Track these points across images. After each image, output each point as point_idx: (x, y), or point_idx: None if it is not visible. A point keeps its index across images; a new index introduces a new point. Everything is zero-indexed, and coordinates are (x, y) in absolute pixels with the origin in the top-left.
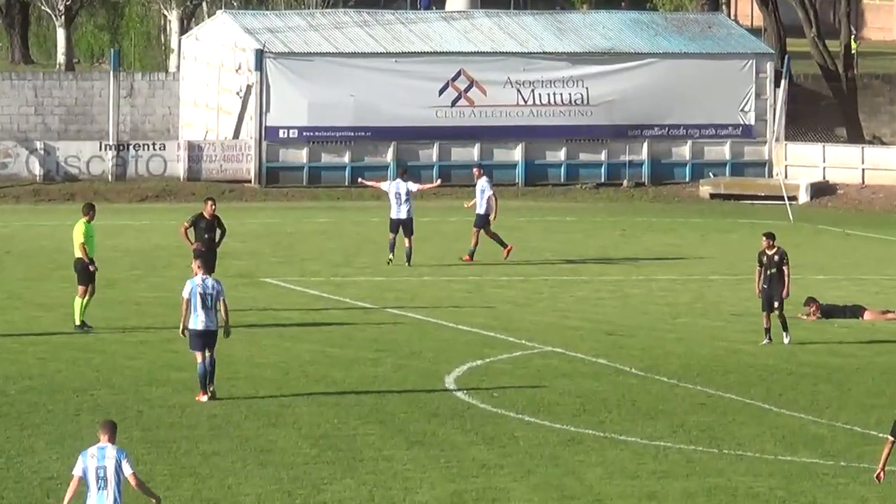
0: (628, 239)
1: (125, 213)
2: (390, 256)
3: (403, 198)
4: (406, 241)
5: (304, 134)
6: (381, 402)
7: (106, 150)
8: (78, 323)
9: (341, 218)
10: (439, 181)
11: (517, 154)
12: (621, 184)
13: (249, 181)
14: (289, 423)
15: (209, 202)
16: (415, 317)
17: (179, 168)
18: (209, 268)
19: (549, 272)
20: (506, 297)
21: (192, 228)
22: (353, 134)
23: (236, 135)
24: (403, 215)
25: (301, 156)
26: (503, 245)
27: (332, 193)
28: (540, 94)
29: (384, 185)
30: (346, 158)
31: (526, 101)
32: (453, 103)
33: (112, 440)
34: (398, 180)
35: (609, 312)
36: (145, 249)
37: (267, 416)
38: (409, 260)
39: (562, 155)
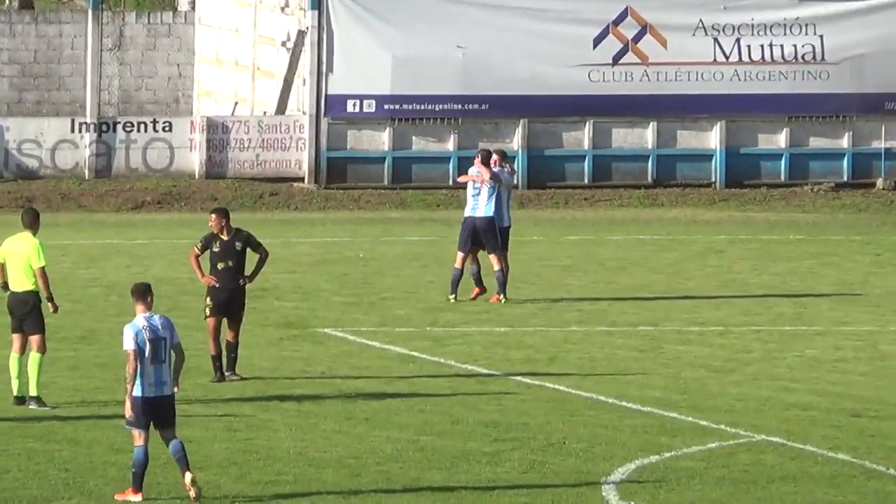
0: (884, 268)
1: (110, 229)
2: (451, 297)
3: (487, 189)
4: (493, 261)
5: (386, 107)
6: None
7: (81, 130)
8: (34, 394)
9: (443, 235)
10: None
11: (713, 139)
12: (874, 184)
13: (301, 179)
14: None
15: (215, 216)
16: (556, 388)
17: (193, 159)
18: (232, 315)
19: (763, 319)
20: (696, 358)
21: (208, 253)
22: (460, 107)
23: (282, 108)
24: (481, 212)
25: (380, 140)
26: (480, 286)
27: (428, 198)
28: (749, 47)
29: (472, 171)
30: (451, 145)
31: (727, 57)
32: (615, 60)
33: None
34: (479, 165)
35: (855, 382)
36: None
37: None
38: (502, 291)
39: (782, 140)
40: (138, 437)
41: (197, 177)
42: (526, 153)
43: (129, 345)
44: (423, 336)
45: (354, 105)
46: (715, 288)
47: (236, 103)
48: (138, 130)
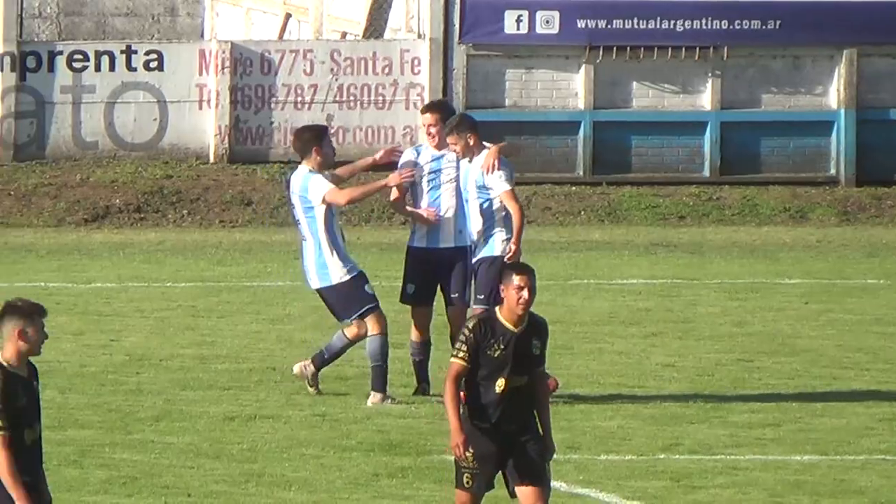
0: None
1: (41, 260)
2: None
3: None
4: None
5: (581, 25)
6: None
7: None
8: None
9: (701, 268)
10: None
11: None
12: None
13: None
14: None
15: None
16: None
17: (204, 124)
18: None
19: None
20: None
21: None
22: (725, 25)
23: (376, 26)
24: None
25: (570, 91)
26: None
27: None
28: None
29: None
30: (706, 99)
31: None
32: None
33: None
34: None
35: None
36: None
37: None
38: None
39: None
40: None
41: (212, 160)
42: (852, 118)
43: None
44: None
45: (518, 20)
46: None
47: (288, 16)
48: (97, 68)
